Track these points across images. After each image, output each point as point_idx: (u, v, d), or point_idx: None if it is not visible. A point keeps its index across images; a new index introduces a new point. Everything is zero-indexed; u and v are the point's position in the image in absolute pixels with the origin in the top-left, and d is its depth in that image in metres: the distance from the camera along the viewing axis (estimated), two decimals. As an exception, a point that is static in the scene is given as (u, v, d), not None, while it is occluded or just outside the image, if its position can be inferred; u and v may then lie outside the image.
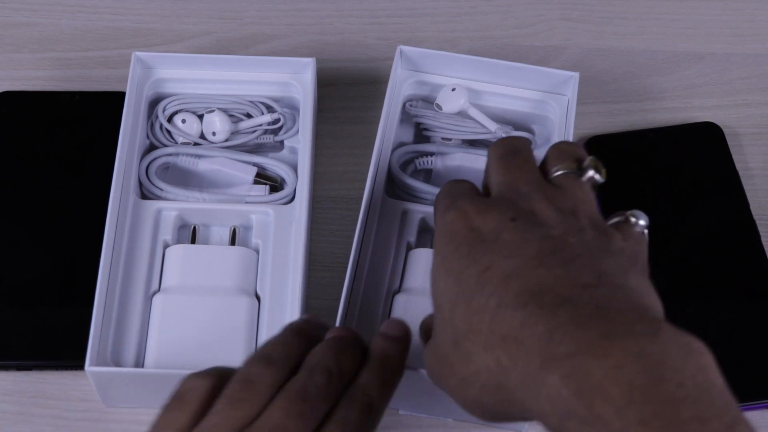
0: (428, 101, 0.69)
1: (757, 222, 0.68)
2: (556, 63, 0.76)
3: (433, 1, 0.80)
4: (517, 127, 0.68)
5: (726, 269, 0.66)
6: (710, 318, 0.65)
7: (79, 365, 0.60)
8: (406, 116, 0.69)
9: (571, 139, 0.66)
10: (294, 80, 0.69)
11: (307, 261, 0.62)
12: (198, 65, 0.69)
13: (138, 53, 0.67)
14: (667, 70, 0.76)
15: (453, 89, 0.67)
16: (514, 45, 0.77)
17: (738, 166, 0.70)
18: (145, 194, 0.65)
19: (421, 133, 0.69)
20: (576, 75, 0.67)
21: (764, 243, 0.67)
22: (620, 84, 0.76)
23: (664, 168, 0.71)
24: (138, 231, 0.63)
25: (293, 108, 0.69)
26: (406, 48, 0.67)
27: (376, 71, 0.75)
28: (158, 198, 0.65)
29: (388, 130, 0.66)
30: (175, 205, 0.64)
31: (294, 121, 0.69)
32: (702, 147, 0.71)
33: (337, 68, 0.75)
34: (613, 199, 0.69)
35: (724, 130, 0.72)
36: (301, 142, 0.67)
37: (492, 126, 0.67)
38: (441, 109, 0.67)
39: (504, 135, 0.66)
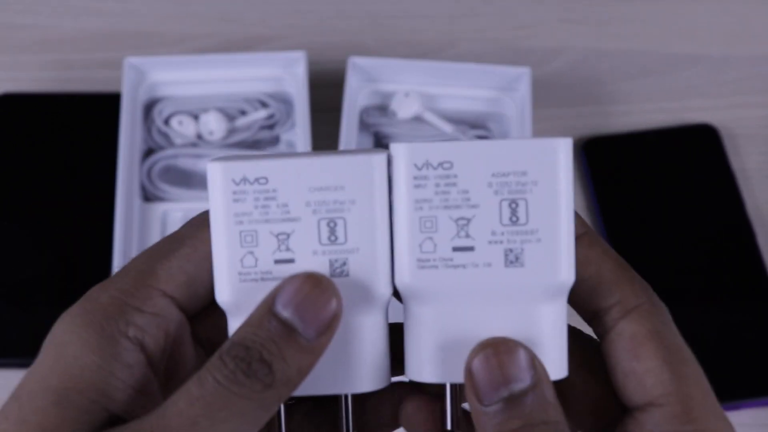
0: (383, 109, 0.69)
1: (753, 223, 0.69)
2: (555, 64, 0.77)
3: (433, 2, 0.80)
4: (473, 126, 0.69)
5: (722, 270, 0.67)
6: (707, 318, 0.65)
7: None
8: (363, 126, 0.69)
9: (529, 131, 0.66)
10: (286, 75, 0.70)
11: None
12: (191, 66, 0.69)
13: (130, 59, 0.68)
14: (664, 71, 0.77)
15: (406, 95, 0.68)
16: (513, 47, 0.78)
17: (734, 167, 0.71)
18: (148, 197, 0.66)
19: (380, 142, 0.70)
20: (527, 70, 0.68)
21: (760, 244, 0.68)
22: (618, 85, 0.76)
23: (661, 169, 0.71)
24: (146, 234, 0.64)
25: (287, 103, 0.70)
26: (357, 59, 0.68)
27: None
28: (162, 200, 0.65)
29: (348, 142, 0.66)
30: (180, 206, 0.65)
31: (289, 115, 0.70)
32: (698, 148, 0.72)
33: (337, 69, 0.75)
34: (610, 199, 0.70)
35: (721, 132, 0.73)
36: (298, 134, 0.68)
37: (448, 128, 0.68)
38: (396, 115, 0.68)
39: (461, 135, 0.67)
